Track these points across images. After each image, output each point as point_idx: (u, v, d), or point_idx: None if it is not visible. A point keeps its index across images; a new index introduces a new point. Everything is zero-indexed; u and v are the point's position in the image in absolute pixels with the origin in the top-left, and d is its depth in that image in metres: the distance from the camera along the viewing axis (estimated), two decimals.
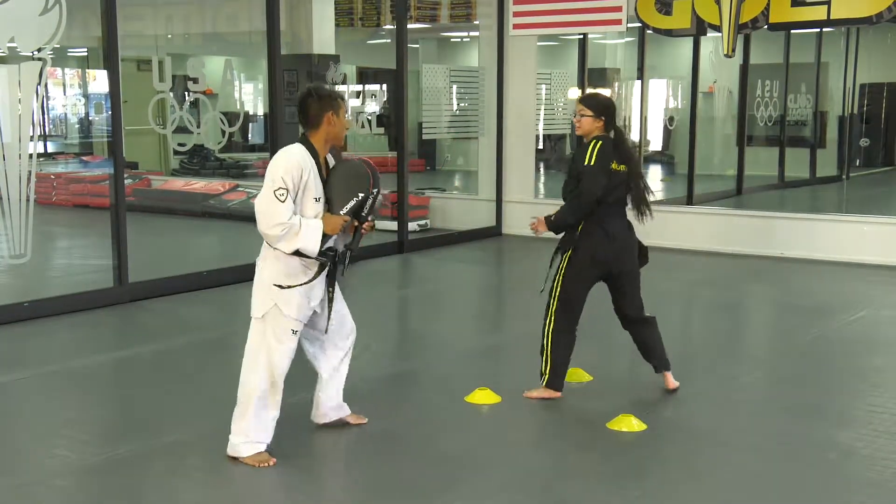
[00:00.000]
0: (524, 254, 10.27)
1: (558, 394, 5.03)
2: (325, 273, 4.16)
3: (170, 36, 12.96)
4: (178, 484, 4.05)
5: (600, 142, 4.82)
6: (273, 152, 8.66)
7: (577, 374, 5.42)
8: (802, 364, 5.95)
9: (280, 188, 3.95)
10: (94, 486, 4.08)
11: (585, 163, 4.77)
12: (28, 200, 6.70)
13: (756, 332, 7.38)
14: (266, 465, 4.15)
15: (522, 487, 4.00)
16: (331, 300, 4.25)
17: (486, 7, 11.34)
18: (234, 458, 4.19)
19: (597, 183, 4.76)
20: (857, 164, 16.29)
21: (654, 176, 16.39)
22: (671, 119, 13.56)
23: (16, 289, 7.79)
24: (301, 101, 4.16)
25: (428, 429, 4.77)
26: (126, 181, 8.06)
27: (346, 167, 4.21)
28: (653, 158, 16.72)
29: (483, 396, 5.04)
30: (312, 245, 4.02)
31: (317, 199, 4.07)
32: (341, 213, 4.10)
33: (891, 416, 4.86)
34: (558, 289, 4.95)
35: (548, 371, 5.01)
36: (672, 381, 5.15)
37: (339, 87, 9.57)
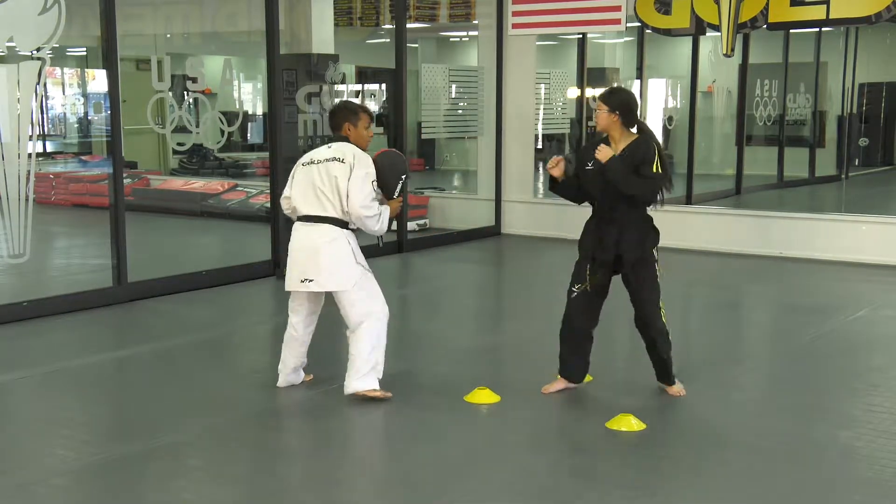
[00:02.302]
0: (523, 253, 10.28)
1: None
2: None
3: (169, 35, 12.95)
4: (178, 484, 4.05)
5: (656, 146, 4.89)
6: (273, 152, 8.79)
7: None
8: (801, 364, 5.95)
9: (374, 181, 4.84)
10: (94, 486, 4.08)
11: (654, 170, 4.83)
12: (27, 200, 6.70)
13: (755, 331, 7.38)
14: (386, 396, 4.93)
15: (522, 487, 4.00)
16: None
17: (486, 6, 11.33)
18: (362, 396, 4.91)
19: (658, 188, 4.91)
20: (856, 163, 16.29)
21: None
22: (670, 119, 13.54)
23: (15, 288, 7.79)
24: (330, 113, 5.12)
25: (427, 429, 4.77)
26: (125, 181, 8.06)
27: (384, 157, 4.98)
28: None
29: (482, 396, 5.04)
30: (386, 226, 4.95)
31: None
32: (394, 196, 4.99)
33: (890, 416, 4.86)
34: (658, 287, 5.01)
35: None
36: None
37: (338, 87, 9.56)
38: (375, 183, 4.85)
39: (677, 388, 5.14)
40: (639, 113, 5.00)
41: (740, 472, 4.17)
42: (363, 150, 4.95)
